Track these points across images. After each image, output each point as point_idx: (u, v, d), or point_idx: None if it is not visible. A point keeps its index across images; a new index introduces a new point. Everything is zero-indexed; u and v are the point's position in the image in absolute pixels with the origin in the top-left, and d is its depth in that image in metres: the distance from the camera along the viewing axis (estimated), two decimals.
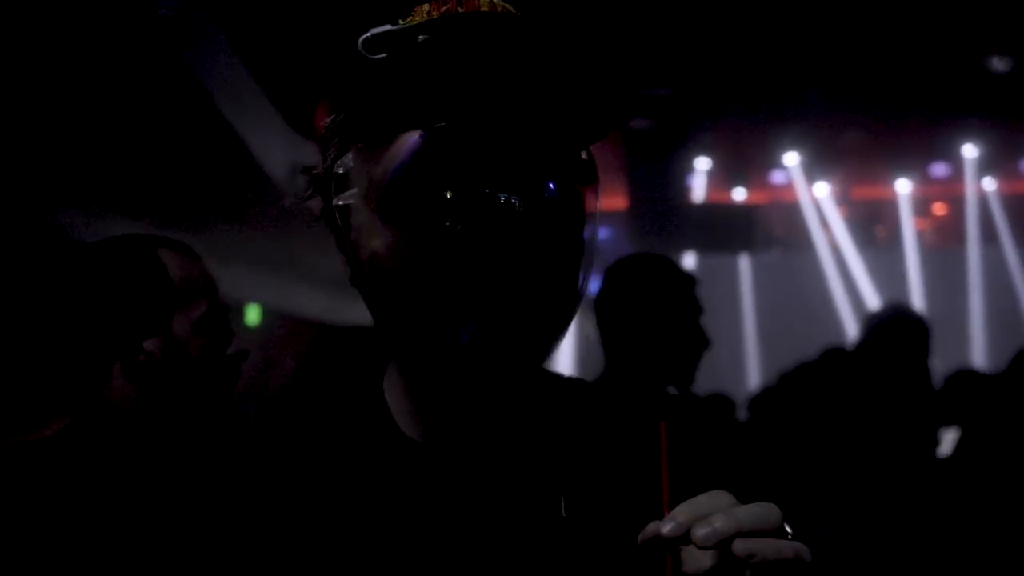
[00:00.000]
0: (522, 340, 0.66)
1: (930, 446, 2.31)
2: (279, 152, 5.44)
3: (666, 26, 7.69)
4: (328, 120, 0.72)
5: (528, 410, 0.74)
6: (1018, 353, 2.16)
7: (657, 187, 11.01)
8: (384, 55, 0.67)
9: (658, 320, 1.81)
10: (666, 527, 0.59)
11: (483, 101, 0.64)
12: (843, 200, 12.67)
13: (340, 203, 0.69)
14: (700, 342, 1.87)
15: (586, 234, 0.68)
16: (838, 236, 12.17)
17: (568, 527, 0.71)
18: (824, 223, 12.17)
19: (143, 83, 3.94)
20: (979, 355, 11.17)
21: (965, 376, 2.87)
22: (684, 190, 11.95)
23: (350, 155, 0.69)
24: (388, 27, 0.67)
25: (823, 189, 12.27)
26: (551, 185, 0.65)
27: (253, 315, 8.03)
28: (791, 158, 11.94)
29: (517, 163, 0.64)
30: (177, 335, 1.32)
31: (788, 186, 12.36)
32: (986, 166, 11.84)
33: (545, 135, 0.65)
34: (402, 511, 0.70)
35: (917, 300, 10.90)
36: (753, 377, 10.50)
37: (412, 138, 0.65)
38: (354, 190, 0.68)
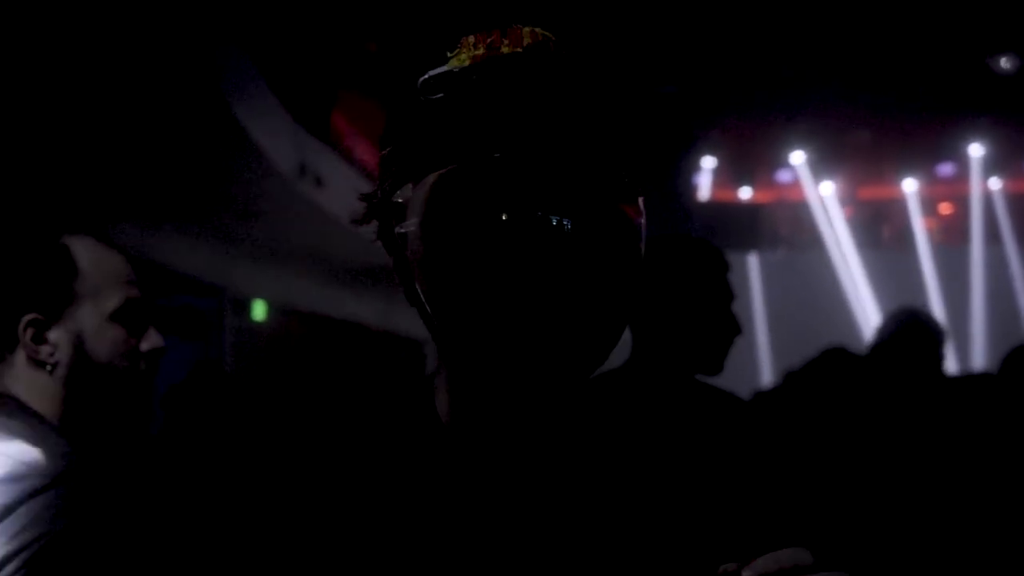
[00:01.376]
0: (574, 355, 0.70)
1: (937, 449, 2.31)
2: (288, 151, 5.47)
3: (673, 25, 7.70)
4: (386, 151, 0.76)
5: (569, 413, 0.77)
6: (1008, 355, 2.17)
7: (663, 185, 11.02)
8: (440, 95, 0.71)
9: (691, 304, 1.73)
10: (745, 574, 0.64)
11: (531, 134, 0.69)
12: (849, 199, 12.67)
13: (401, 231, 0.73)
14: (731, 328, 1.80)
15: (632, 253, 0.72)
16: (844, 235, 12.17)
17: (597, 516, 0.74)
18: (830, 222, 12.16)
19: (158, 83, 3.97)
20: (978, 355, 11.18)
21: (966, 380, 2.87)
22: (690, 188, 11.96)
23: (409, 186, 0.73)
24: (443, 69, 0.72)
25: (829, 188, 12.27)
26: (599, 208, 0.69)
27: (259, 311, 8.06)
28: (797, 157, 11.94)
29: (566, 188, 0.68)
30: (86, 326, 1.25)
31: (794, 185, 12.36)
32: (992, 165, 11.83)
33: (591, 162, 0.69)
34: (441, 505, 0.73)
35: (924, 299, 10.89)
36: (765, 374, 10.52)
37: (468, 169, 0.69)
38: (413, 219, 0.72)
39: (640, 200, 0.72)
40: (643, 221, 0.73)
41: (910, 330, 2.42)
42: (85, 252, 1.27)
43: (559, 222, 0.67)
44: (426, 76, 0.72)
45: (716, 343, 1.75)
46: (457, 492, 0.74)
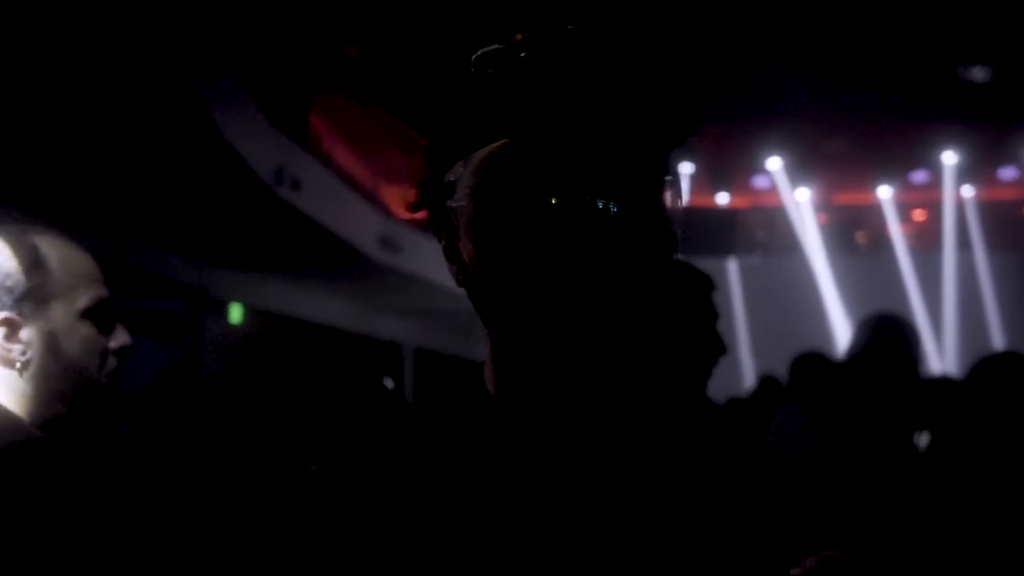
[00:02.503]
0: (616, 331, 0.72)
1: (912, 454, 2.32)
2: (266, 155, 5.45)
3: (650, 32, 7.73)
4: (436, 134, 0.78)
5: (610, 393, 0.78)
6: (977, 364, 2.19)
7: None
8: (492, 71, 0.73)
9: (674, 325, 1.70)
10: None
11: (581, 109, 0.70)
12: (825, 205, 12.80)
13: (452, 205, 0.74)
14: (716, 349, 1.78)
15: (672, 237, 0.74)
16: (820, 240, 12.29)
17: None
18: (806, 227, 12.28)
19: (136, 90, 3.96)
20: (950, 358, 11.34)
21: (937, 384, 2.90)
22: None
23: (459, 164, 0.74)
24: (494, 47, 0.74)
25: (805, 194, 12.39)
26: (642, 192, 0.71)
27: (237, 314, 8.03)
28: (774, 163, 12.04)
29: (612, 172, 0.70)
30: (58, 324, 1.25)
31: (771, 191, 12.46)
32: (965, 173, 11.99)
33: (634, 140, 0.71)
34: (493, 479, 0.74)
35: (899, 303, 11.00)
36: (746, 374, 10.61)
37: (516, 148, 0.71)
38: (463, 194, 0.73)
39: (680, 185, 0.74)
40: (682, 205, 0.75)
41: (886, 334, 2.44)
42: (54, 251, 1.27)
43: (605, 206, 0.69)
44: (478, 53, 0.74)
45: (701, 364, 1.74)
46: (507, 465, 0.74)
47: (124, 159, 4.72)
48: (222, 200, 5.62)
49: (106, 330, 1.29)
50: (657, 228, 0.72)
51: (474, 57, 0.74)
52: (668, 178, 0.74)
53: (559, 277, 0.69)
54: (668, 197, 0.73)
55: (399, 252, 7.72)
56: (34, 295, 1.24)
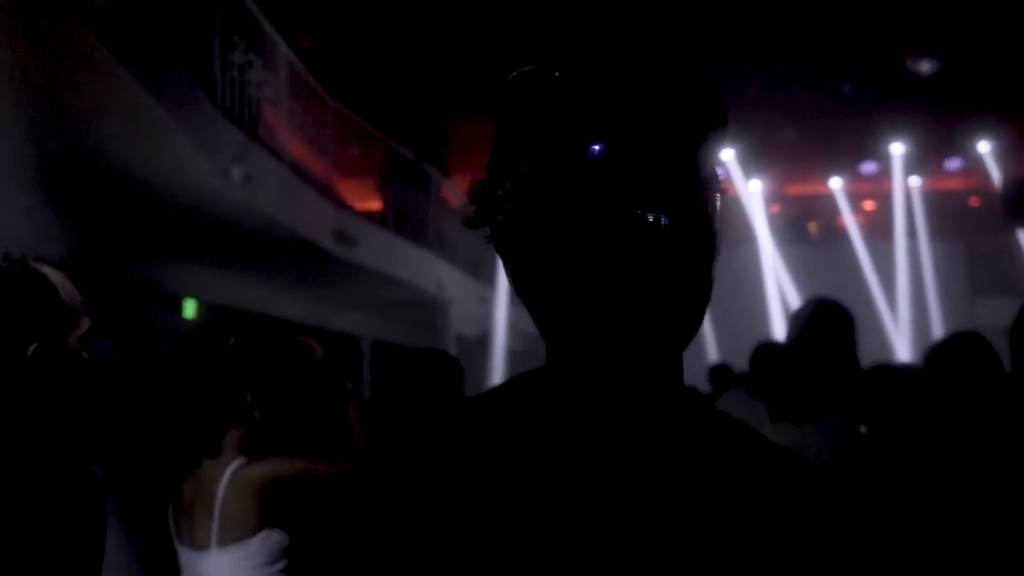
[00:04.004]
0: (664, 337, 0.74)
1: (858, 440, 2.36)
2: (218, 147, 5.39)
3: (600, 27, 7.78)
4: (491, 148, 0.80)
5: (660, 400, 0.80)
6: (931, 351, 2.22)
7: None
8: (527, 90, 0.75)
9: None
10: None
11: (614, 125, 0.73)
12: (777, 196, 12.96)
13: (503, 219, 0.77)
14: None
15: (716, 248, 0.76)
16: (773, 231, 12.46)
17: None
18: (759, 218, 12.44)
19: (87, 83, 3.90)
20: (904, 345, 11.55)
21: (882, 372, 2.93)
22: None
23: (509, 183, 0.76)
24: (531, 67, 0.77)
25: (757, 185, 12.55)
26: (690, 203, 0.73)
27: (190, 309, 7.94)
28: (726, 154, 12.16)
29: (660, 185, 0.72)
30: (71, 351, 1.35)
31: (724, 181, 12.56)
32: (913, 164, 12.22)
33: (684, 158, 0.73)
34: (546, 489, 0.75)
35: (853, 291, 11.16)
36: (711, 357, 10.73)
37: (567, 164, 0.73)
38: (517, 210, 0.76)
39: (720, 191, 0.77)
40: (721, 211, 0.77)
41: (823, 319, 2.47)
42: (56, 281, 1.34)
43: (656, 219, 0.72)
44: (514, 73, 0.76)
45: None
46: (559, 466, 0.76)
47: (73, 154, 4.64)
48: (174, 193, 5.54)
49: (90, 352, 1.39)
50: (705, 237, 0.75)
51: (511, 76, 0.77)
52: (710, 185, 0.76)
53: (615, 289, 0.72)
54: (711, 204, 0.76)
55: (354, 245, 7.68)
56: (56, 324, 1.33)
